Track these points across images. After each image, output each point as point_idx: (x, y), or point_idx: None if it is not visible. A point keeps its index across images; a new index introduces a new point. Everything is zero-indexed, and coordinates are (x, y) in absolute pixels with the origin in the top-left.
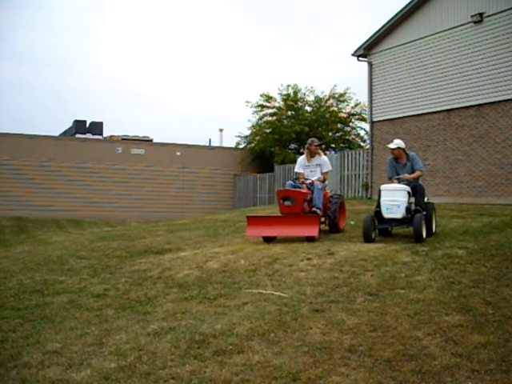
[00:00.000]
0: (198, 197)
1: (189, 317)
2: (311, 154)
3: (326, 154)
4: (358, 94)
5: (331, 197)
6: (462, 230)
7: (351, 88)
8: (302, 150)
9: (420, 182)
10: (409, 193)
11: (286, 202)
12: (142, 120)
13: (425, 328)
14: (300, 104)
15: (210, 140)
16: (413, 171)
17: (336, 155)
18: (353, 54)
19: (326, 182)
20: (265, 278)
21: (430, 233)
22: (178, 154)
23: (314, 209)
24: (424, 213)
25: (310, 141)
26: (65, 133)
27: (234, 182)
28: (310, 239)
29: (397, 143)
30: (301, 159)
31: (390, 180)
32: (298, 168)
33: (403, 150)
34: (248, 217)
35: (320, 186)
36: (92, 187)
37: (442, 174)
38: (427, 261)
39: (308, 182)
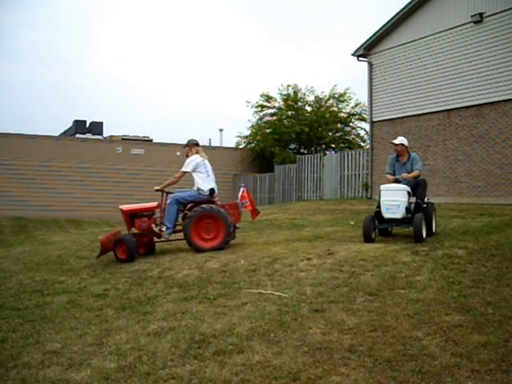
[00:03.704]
0: None
1: (189, 317)
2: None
3: (197, 153)
4: (358, 94)
5: (190, 209)
6: (462, 230)
7: (351, 88)
8: (302, 151)
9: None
10: (409, 193)
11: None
12: (142, 120)
13: (425, 328)
14: (300, 104)
15: (210, 140)
16: (412, 171)
17: (336, 155)
18: (353, 54)
19: (193, 191)
20: (265, 278)
21: (430, 233)
22: (178, 154)
23: (154, 227)
24: (424, 205)
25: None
26: (65, 133)
27: (234, 182)
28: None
29: (400, 139)
30: None
31: (387, 174)
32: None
33: (406, 148)
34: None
35: (173, 199)
36: (92, 187)
37: (442, 174)
38: (427, 261)
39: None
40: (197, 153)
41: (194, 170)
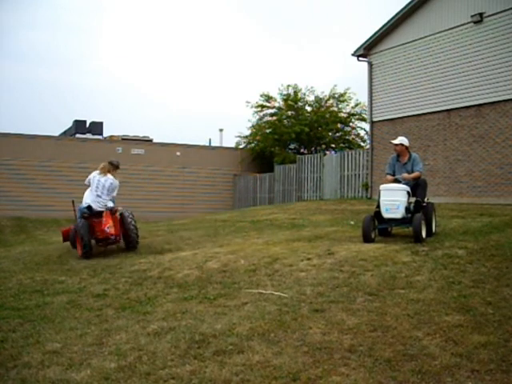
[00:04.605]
0: (198, 197)
1: (189, 317)
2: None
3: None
4: (358, 94)
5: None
6: (462, 230)
7: (351, 88)
8: (302, 151)
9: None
10: (408, 193)
11: None
12: (142, 120)
13: (425, 328)
14: (300, 104)
15: (210, 140)
16: (412, 172)
17: (336, 155)
18: (353, 54)
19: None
20: (265, 278)
21: (430, 233)
22: (178, 154)
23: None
24: (424, 204)
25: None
26: (65, 133)
27: (234, 182)
28: None
29: (400, 139)
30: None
31: (388, 175)
32: None
33: (406, 148)
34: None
35: (78, 207)
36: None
37: (442, 174)
38: (427, 261)
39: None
40: (99, 169)
41: (89, 185)
